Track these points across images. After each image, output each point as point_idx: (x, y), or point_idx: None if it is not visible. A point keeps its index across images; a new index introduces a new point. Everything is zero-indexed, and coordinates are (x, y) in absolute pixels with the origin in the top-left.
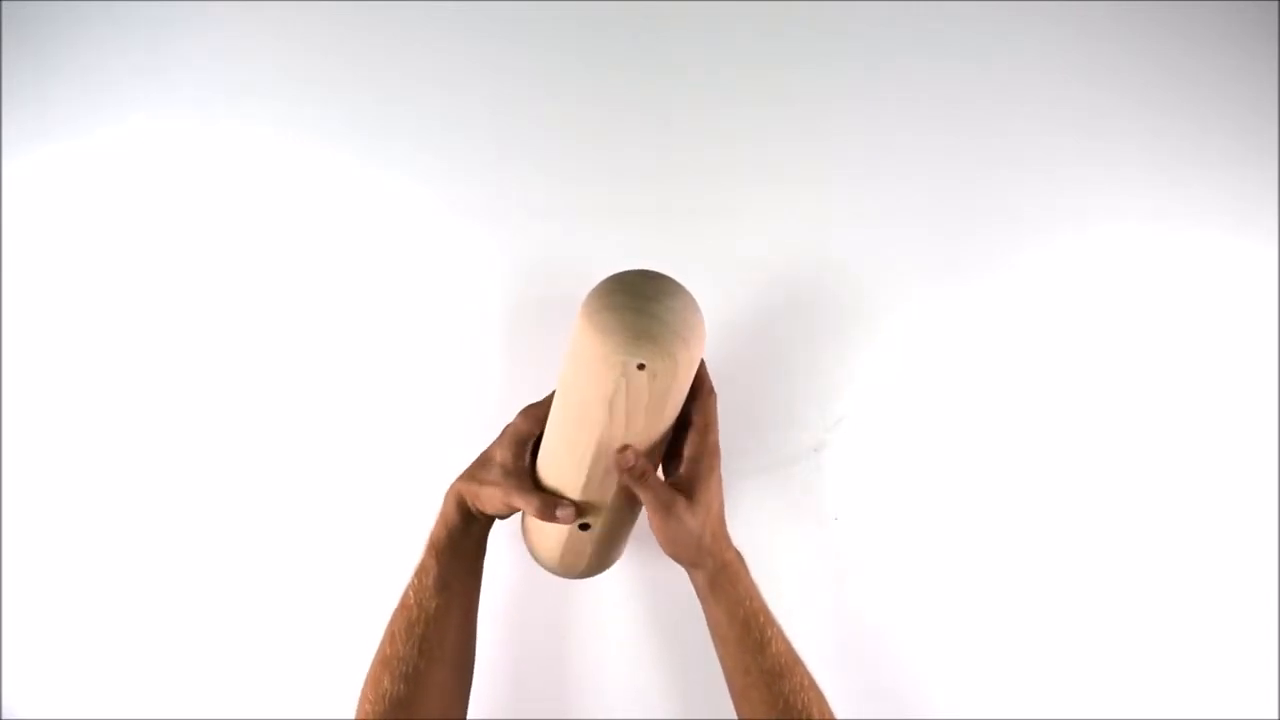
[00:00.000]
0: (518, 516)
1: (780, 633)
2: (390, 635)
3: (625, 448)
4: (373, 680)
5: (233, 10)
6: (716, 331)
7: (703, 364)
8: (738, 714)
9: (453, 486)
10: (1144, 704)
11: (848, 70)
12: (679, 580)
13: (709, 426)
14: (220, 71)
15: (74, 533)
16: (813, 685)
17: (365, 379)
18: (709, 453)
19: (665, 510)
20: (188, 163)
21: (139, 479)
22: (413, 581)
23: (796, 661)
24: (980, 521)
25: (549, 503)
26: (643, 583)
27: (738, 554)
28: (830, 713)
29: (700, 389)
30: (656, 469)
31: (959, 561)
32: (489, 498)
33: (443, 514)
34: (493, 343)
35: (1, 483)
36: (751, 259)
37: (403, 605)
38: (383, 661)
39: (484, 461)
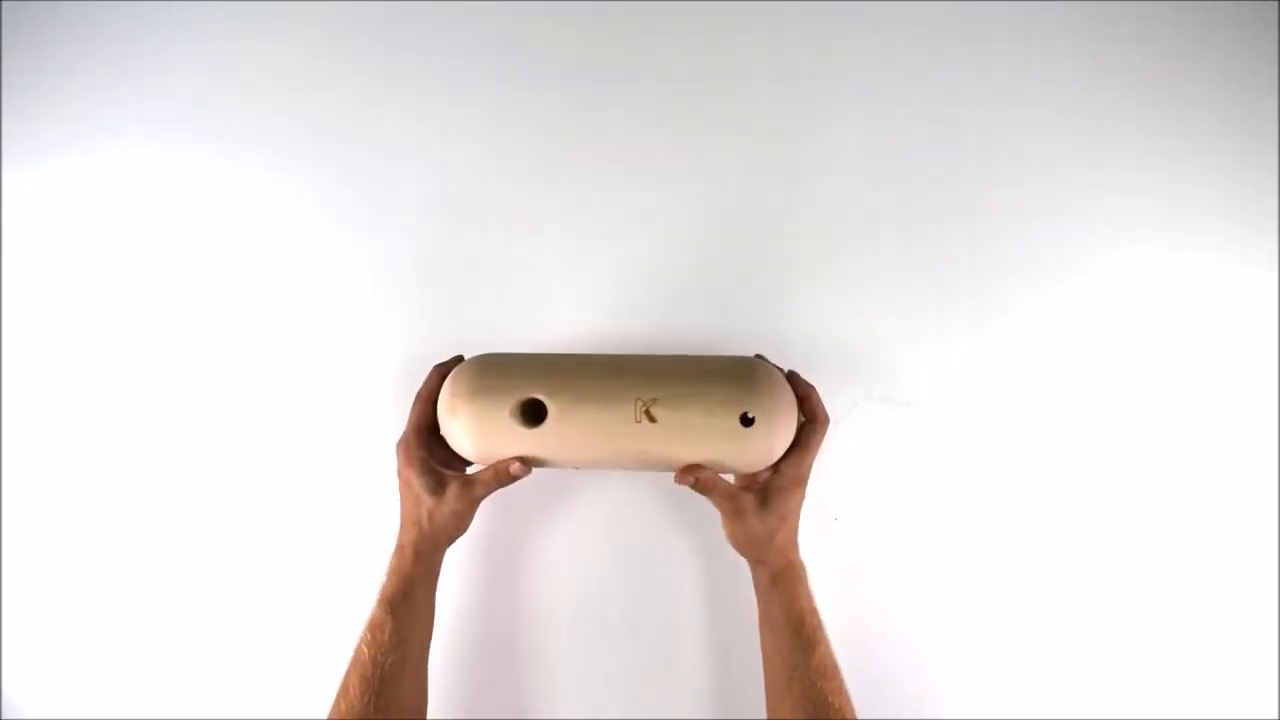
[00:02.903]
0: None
1: (828, 640)
2: (344, 691)
3: (691, 468)
4: None
5: (227, 29)
6: (716, 332)
7: (816, 394)
8: (772, 708)
9: (409, 536)
10: (1144, 704)
11: (845, 67)
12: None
13: (808, 450)
14: (215, 72)
15: (74, 533)
16: (848, 694)
17: (360, 385)
18: (798, 473)
19: (734, 513)
20: (181, 160)
21: (138, 483)
22: (365, 637)
23: (838, 669)
24: (981, 522)
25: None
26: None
27: (802, 562)
28: (856, 715)
29: (815, 417)
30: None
31: (960, 562)
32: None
33: (397, 566)
34: (488, 346)
35: (1, 483)
36: (751, 260)
37: (356, 661)
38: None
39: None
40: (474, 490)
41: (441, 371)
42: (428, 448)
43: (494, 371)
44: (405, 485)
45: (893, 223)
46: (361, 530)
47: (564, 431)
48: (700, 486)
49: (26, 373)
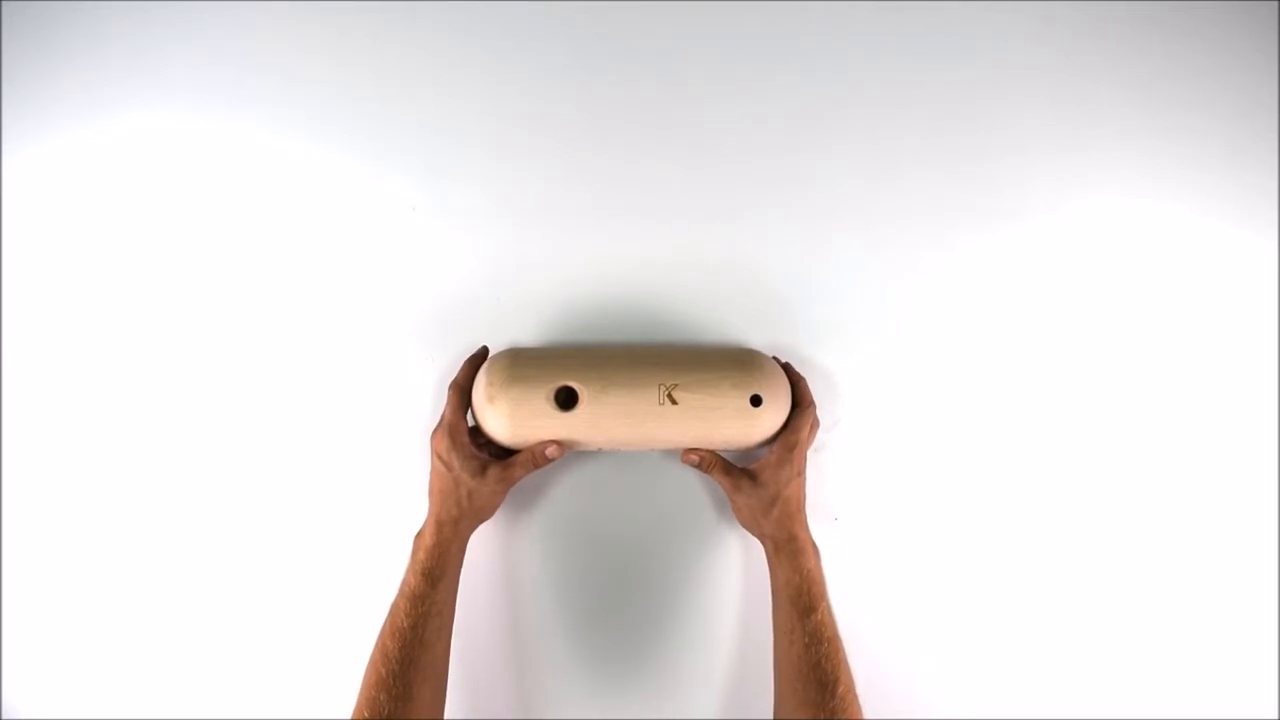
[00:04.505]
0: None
1: (829, 610)
2: (384, 655)
3: (694, 449)
4: (368, 699)
5: (230, 11)
6: (714, 333)
7: (805, 383)
8: (776, 678)
9: (447, 514)
10: (1144, 704)
11: (840, 71)
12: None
13: (795, 430)
14: (216, 71)
15: (74, 533)
16: (845, 659)
17: (360, 376)
18: (787, 451)
19: (733, 489)
20: (184, 161)
21: (139, 478)
22: (403, 606)
23: (837, 636)
24: (980, 520)
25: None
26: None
27: (812, 541)
28: (854, 686)
29: (801, 401)
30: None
31: (959, 561)
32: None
33: (435, 542)
34: (489, 342)
35: (1, 482)
36: (748, 260)
37: (395, 628)
38: (378, 682)
39: (474, 470)
40: (512, 472)
41: (474, 363)
42: (466, 434)
43: (526, 362)
44: (445, 468)
45: (891, 223)
46: (356, 532)
47: (594, 415)
48: (703, 465)
49: (31, 364)
